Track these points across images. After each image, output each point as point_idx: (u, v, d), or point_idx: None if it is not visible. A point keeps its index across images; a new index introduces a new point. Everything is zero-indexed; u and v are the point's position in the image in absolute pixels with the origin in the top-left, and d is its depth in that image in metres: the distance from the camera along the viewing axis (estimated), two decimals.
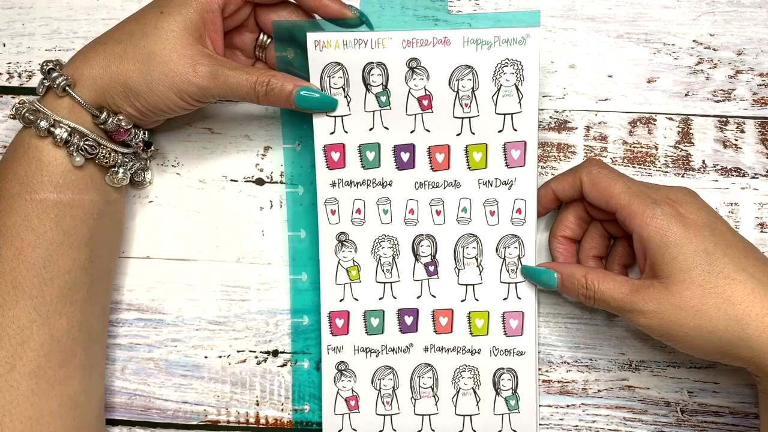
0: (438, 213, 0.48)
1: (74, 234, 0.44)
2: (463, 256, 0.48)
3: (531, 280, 0.47)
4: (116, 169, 0.46)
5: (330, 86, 0.46)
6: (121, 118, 0.45)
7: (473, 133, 0.47)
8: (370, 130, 0.47)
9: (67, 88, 0.43)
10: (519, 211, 0.47)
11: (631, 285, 0.42)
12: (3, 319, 0.42)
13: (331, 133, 0.47)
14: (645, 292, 0.42)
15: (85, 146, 0.44)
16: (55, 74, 0.43)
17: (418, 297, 0.48)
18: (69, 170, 0.44)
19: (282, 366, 0.50)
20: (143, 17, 0.45)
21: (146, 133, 0.47)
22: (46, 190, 0.43)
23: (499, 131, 0.47)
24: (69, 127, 0.43)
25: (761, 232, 0.49)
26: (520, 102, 0.46)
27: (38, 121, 0.43)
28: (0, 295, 0.42)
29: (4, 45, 0.52)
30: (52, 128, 0.43)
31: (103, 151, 0.45)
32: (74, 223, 0.44)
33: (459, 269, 0.48)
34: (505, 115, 0.46)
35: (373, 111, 0.47)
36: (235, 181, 0.51)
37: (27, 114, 0.43)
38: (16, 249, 0.43)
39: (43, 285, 0.43)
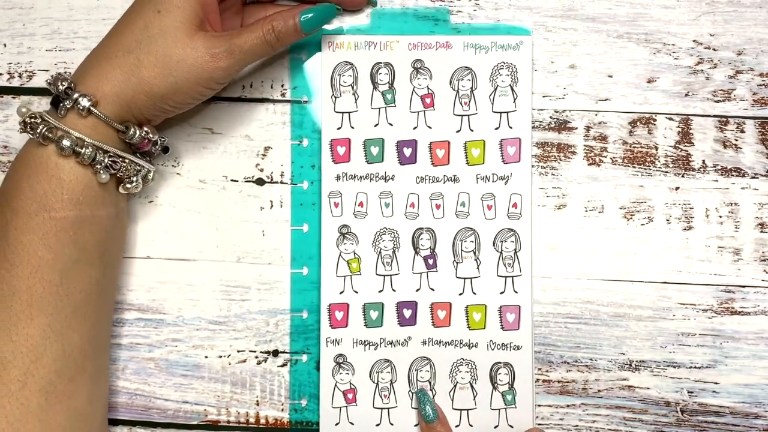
0: (438, 207, 0.51)
1: (90, 250, 0.46)
2: (462, 250, 0.51)
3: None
4: (131, 177, 0.48)
5: (340, 84, 0.51)
6: (146, 130, 0.47)
7: (472, 130, 0.51)
8: (375, 126, 0.51)
9: (92, 108, 0.44)
10: (515, 205, 0.51)
11: None
12: (18, 337, 0.43)
13: (338, 129, 0.51)
14: None
15: (109, 162, 0.45)
16: (76, 95, 0.44)
17: (417, 290, 0.51)
18: (89, 187, 0.45)
19: (282, 366, 0.52)
20: (142, 21, 0.46)
21: (165, 139, 0.49)
22: (66, 209, 0.44)
23: (496, 128, 0.51)
24: (94, 145, 0.45)
25: (761, 232, 0.51)
26: (515, 101, 0.51)
27: (61, 141, 0.44)
28: (15, 314, 0.43)
29: (5, 45, 0.54)
30: (77, 148, 0.44)
31: (125, 163, 0.47)
32: (91, 238, 0.46)
33: (457, 263, 0.51)
34: (501, 113, 0.51)
35: (379, 108, 0.51)
36: (235, 181, 0.53)
37: (46, 133, 0.44)
38: (33, 267, 0.44)
39: (59, 302, 0.44)
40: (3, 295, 0.44)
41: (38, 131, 0.44)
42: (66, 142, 0.44)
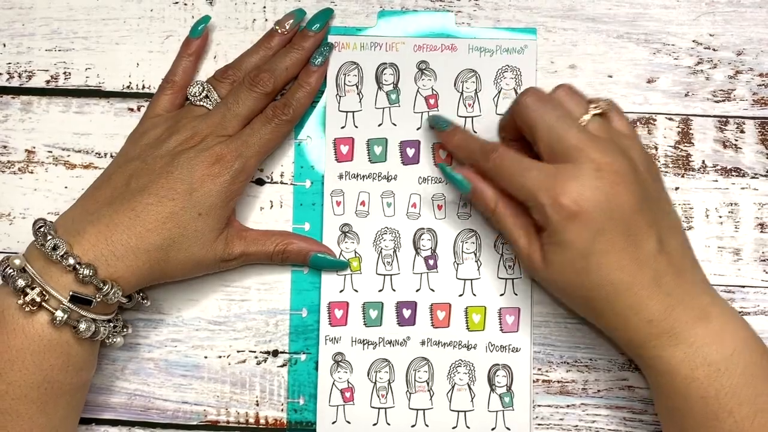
0: (439, 208, 0.52)
1: (80, 407, 0.48)
2: (462, 251, 0.51)
3: (448, 178, 0.49)
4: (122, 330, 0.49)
5: (345, 83, 0.52)
6: (143, 294, 0.50)
7: (475, 131, 0.52)
8: (379, 125, 0.52)
9: (121, 299, 0.46)
10: None
11: (528, 239, 0.45)
12: None
13: (342, 128, 0.52)
14: (534, 253, 0.45)
15: (111, 328, 0.47)
16: (106, 287, 0.44)
17: (417, 290, 0.51)
18: (91, 353, 0.47)
19: (282, 366, 0.52)
20: (179, 221, 0.46)
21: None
22: (70, 377, 0.45)
23: None
24: (107, 322, 0.46)
25: (761, 232, 0.51)
26: None
27: (79, 325, 0.44)
28: None
29: (5, 45, 0.54)
30: (108, 334, 0.46)
31: (121, 325, 0.49)
32: (83, 395, 0.48)
33: (458, 264, 0.51)
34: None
35: (383, 108, 0.52)
36: None
37: (67, 319, 0.44)
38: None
39: None
40: None
41: (59, 319, 0.43)
42: (83, 325, 0.44)
